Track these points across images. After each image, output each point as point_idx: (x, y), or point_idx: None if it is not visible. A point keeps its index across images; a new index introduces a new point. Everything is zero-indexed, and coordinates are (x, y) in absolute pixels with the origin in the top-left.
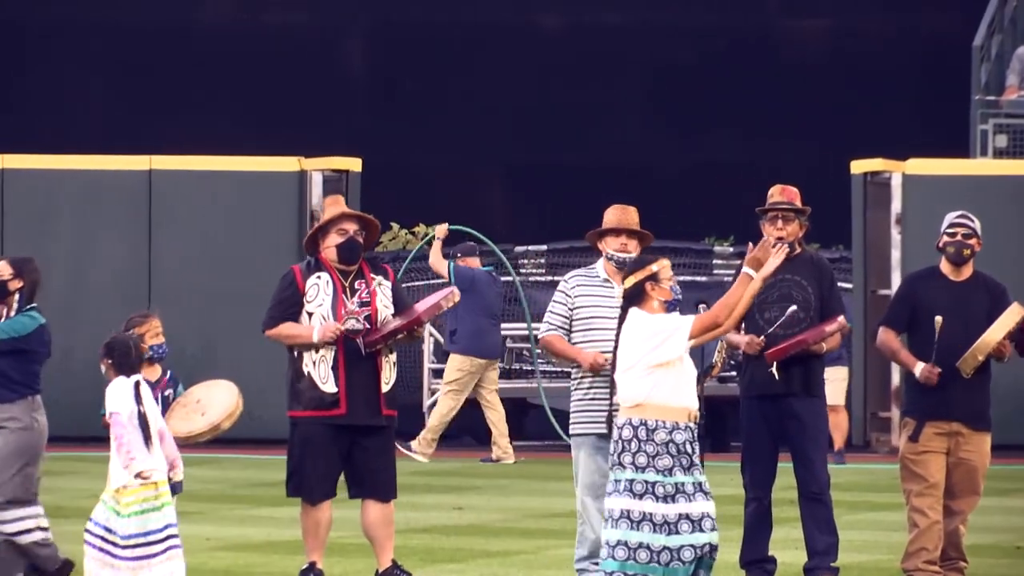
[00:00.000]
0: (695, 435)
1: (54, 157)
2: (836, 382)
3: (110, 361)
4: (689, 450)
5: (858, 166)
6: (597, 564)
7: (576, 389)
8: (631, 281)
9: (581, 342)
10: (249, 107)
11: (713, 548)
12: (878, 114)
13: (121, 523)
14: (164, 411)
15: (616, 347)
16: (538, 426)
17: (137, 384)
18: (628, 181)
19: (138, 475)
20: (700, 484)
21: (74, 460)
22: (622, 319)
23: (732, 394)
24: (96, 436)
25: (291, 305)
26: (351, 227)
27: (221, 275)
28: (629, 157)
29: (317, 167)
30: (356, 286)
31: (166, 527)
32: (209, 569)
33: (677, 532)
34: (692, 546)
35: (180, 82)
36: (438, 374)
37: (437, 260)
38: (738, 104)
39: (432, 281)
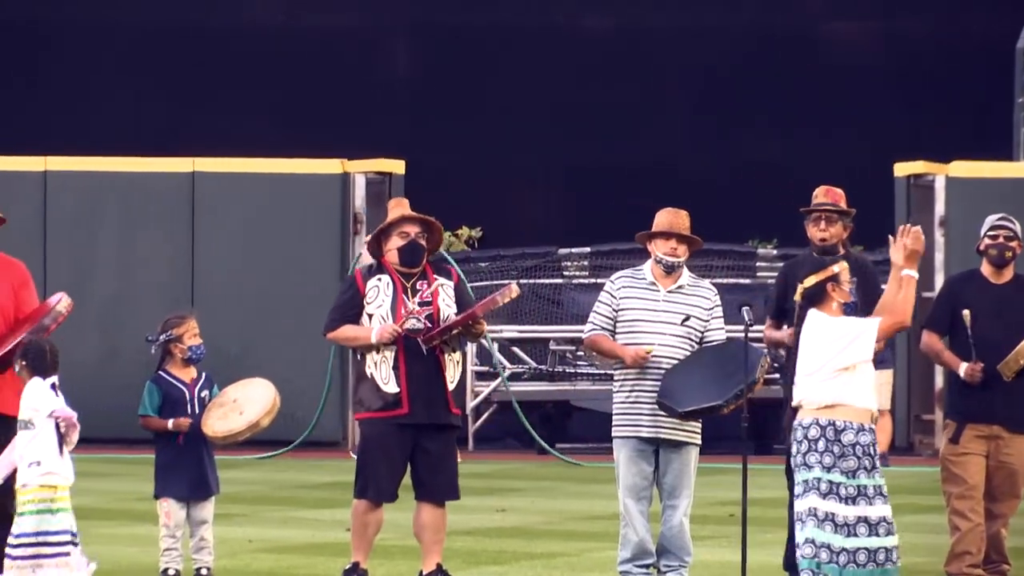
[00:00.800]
0: (875, 437)
1: (97, 159)
2: (881, 385)
3: (24, 363)
4: (872, 452)
5: (902, 168)
6: (640, 566)
7: (619, 391)
8: (812, 281)
9: (625, 344)
10: (292, 109)
11: (888, 552)
12: (921, 116)
13: (17, 521)
14: (200, 412)
15: (794, 348)
16: (581, 429)
17: (53, 386)
18: (671, 183)
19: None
20: (880, 487)
21: (119, 462)
22: (800, 320)
23: (776, 397)
24: (141, 438)
25: (351, 308)
26: (413, 229)
27: (264, 277)
28: (672, 159)
29: (360, 169)
30: (418, 287)
31: (61, 533)
32: (252, 571)
33: (855, 534)
34: (867, 549)
35: (224, 84)
36: (481, 376)
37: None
38: (782, 106)
39: (496, 282)
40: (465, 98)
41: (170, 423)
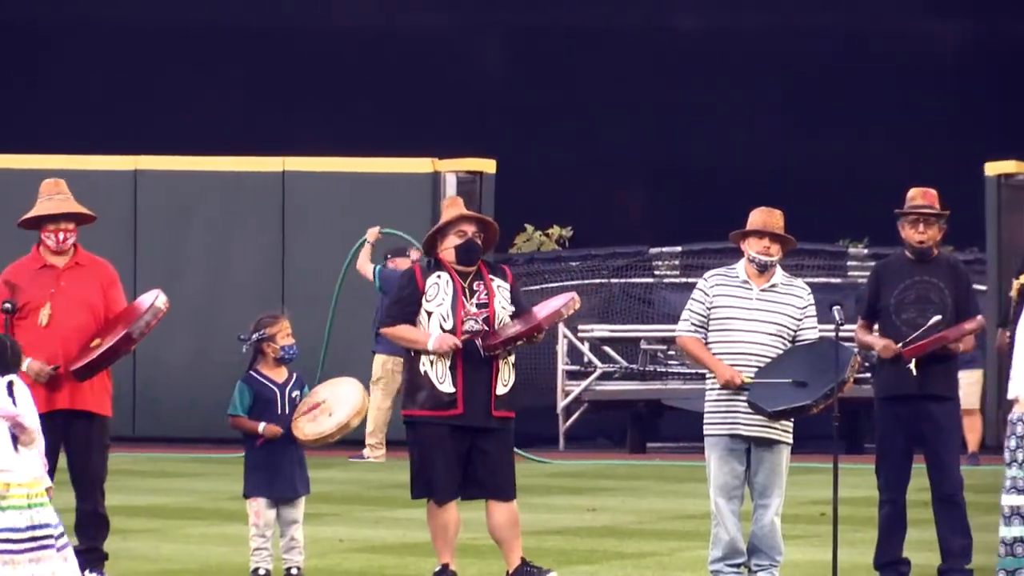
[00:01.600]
0: None
1: (188, 158)
2: (971, 385)
3: None
4: None
5: (992, 168)
6: (731, 565)
7: (711, 390)
8: None
9: (716, 342)
10: (383, 108)
11: None
12: (1012, 116)
13: None
14: (291, 412)
15: (1013, 341)
16: (672, 428)
17: (11, 384)
18: (762, 182)
19: None
20: None
21: (212, 462)
22: (1016, 316)
23: (866, 396)
24: (231, 438)
25: (410, 304)
26: (469, 229)
27: (354, 276)
28: (764, 159)
29: (451, 168)
30: (475, 287)
31: (30, 528)
32: (343, 571)
33: None
34: None
35: (315, 83)
36: (572, 376)
37: (364, 263)
38: (872, 105)
39: (586, 281)
40: (556, 97)
41: (261, 427)
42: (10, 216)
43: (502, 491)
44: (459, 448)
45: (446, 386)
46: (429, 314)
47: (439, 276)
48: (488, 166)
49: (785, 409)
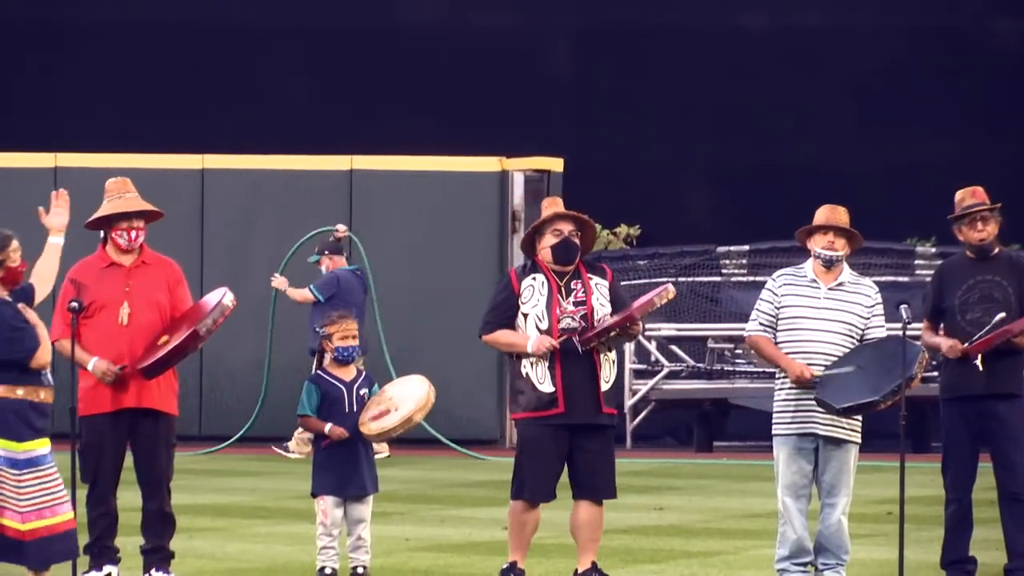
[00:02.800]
0: None
1: (255, 157)
2: None
3: None
4: None
5: None
6: (798, 564)
7: (780, 389)
8: None
9: (785, 341)
10: (451, 107)
11: None
12: None
13: None
14: (358, 410)
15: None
16: (739, 427)
17: None
18: (830, 181)
19: None
20: None
21: (279, 461)
22: None
23: (933, 394)
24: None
25: (507, 309)
26: (566, 227)
27: (422, 275)
28: (832, 157)
29: (519, 167)
30: (572, 286)
31: None
32: (409, 569)
33: None
34: None
35: (383, 82)
36: (639, 375)
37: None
38: (938, 103)
39: (653, 280)
40: (623, 96)
41: (327, 428)
42: (77, 215)
43: (599, 492)
44: (560, 448)
45: (546, 386)
46: (525, 316)
47: (534, 278)
48: (555, 165)
49: (853, 406)
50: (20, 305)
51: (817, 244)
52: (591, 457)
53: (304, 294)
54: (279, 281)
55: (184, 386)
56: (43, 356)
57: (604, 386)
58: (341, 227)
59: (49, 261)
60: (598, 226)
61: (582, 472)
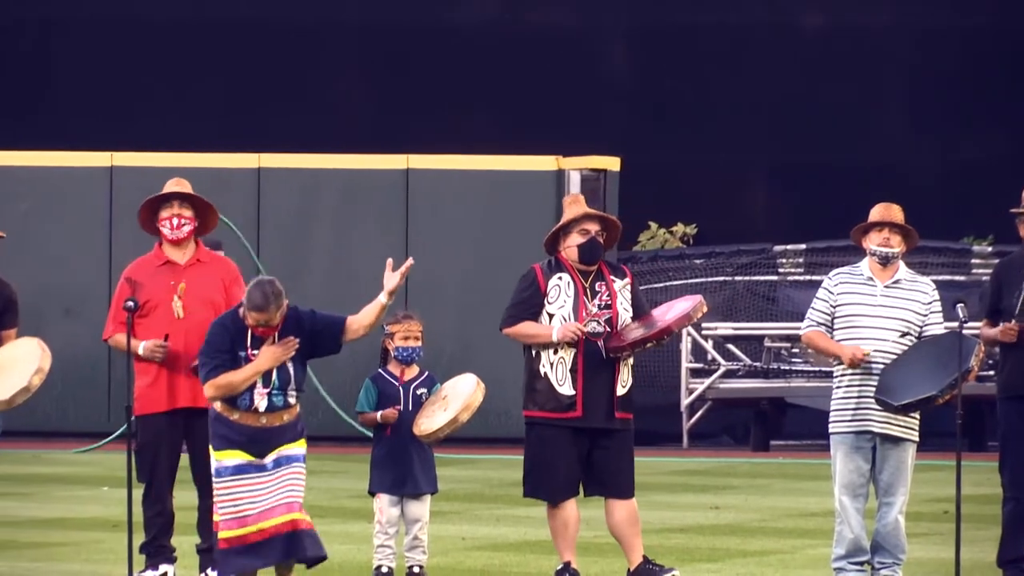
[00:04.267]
0: None
1: (311, 156)
2: None
3: None
4: None
5: None
6: (854, 563)
7: (837, 388)
8: None
9: (842, 340)
10: (507, 106)
11: None
12: None
13: None
14: (415, 409)
15: None
16: (796, 426)
17: None
18: (887, 180)
19: None
20: None
21: (335, 460)
22: None
23: (989, 393)
24: (354, 436)
25: (532, 305)
26: (592, 227)
27: (478, 274)
28: (888, 156)
29: (575, 166)
30: (597, 288)
31: None
32: (465, 568)
33: None
34: None
35: (438, 81)
36: (696, 373)
37: None
38: (997, 103)
39: (710, 279)
40: (680, 95)
41: (379, 415)
42: (130, 212)
43: (621, 490)
44: (579, 449)
45: (566, 388)
46: (551, 316)
47: (560, 277)
48: (612, 164)
49: (911, 402)
50: None
51: (872, 241)
52: (611, 456)
53: None
54: None
55: None
56: None
57: (620, 391)
58: None
59: (374, 311)
60: (654, 224)
61: (604, 472)
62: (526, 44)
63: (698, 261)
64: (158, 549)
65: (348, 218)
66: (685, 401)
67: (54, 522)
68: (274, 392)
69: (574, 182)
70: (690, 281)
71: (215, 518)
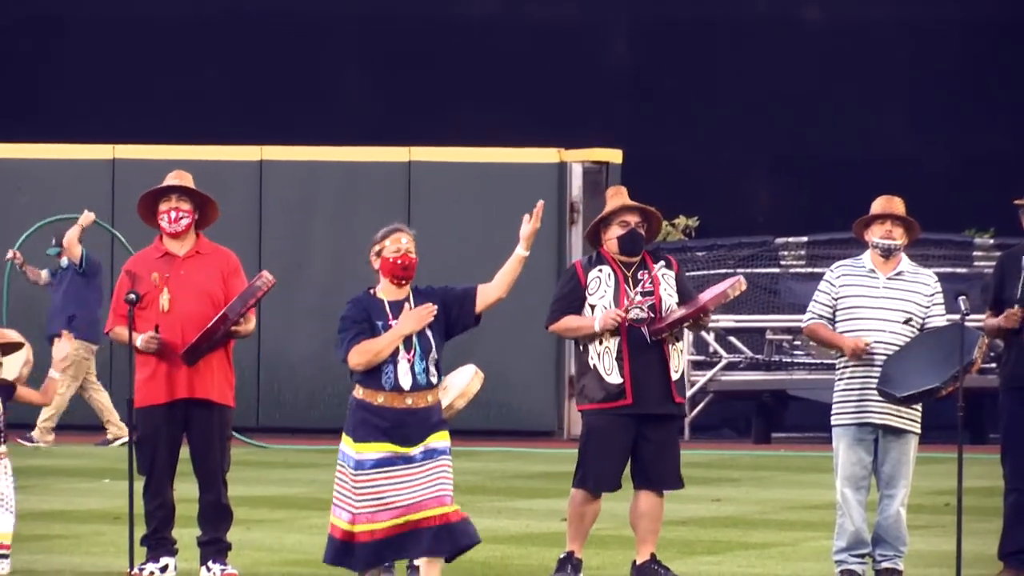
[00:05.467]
0: None
1: (313, 149)
2: None
3: None
4: None
5: None
6: (856, 556)
7: (839, 380)
8: None
9: (844, 332)
10: (509, 99)
11: None
12: None
13: None
14: None
15: None
16: (797, 418)
17: None
18: (888, 173)
19: None
20: None
21: (335, 453)
22: None
23: (991, 385)
24: None
25: (573, 300)
26: (633, 219)
27: (480, 267)
28: (889, 149)
29: (577, 159)
30: (639, 276)
31: None
32: (466, 560)
33: None
34: None
35: (441, 73)
36: (698, 366)
37: (73, 243)
38: (996, 96)
39: (713, 272)
40: (682, 88)
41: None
42: (132, 205)
43: (663, 481)
44: (627, 438)
45: (614, 377)
46: (592, 307)
47: (600, 270)
48: (614, 156)
49: (914, 393)
50: None
51: (875, 234)
52: (656, 447)
53: (76, 250)
54: (88, 216)
55: (241, 378)
56: None
57: (674, 375)
58: (87, 216)
59: (511, 268)
60: None
61: (647, 462)
62: (529, 37)
63: (700, 253)
64: (159, 541)
65: (350, 211)
66: (687, 393)
67: (55, 515)
68: (417, 362)
69: (576, 175)
70: (692, 273)
71: (350, 510)
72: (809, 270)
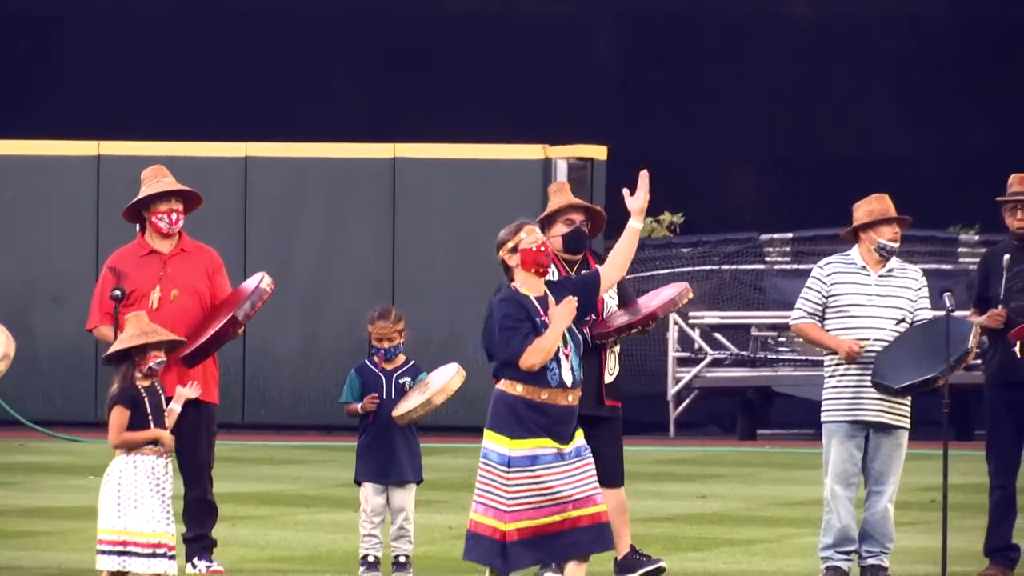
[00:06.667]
0: None
1: (299, 145)
2: None
3: None
4: None
5: None
6: (842, 552)
7: (830, 376)
8: None
9: (836, 329)
10: (495, 95)
11: None
12: None
13: None
14: (397, 398)
15: None
16: (783, 415)
17: None
18: (873, 169)
19: None
20: None
21: (322, 449)
22: None
23: (975, 382)
24: (340, 424)
25: None
26: (578, 217)
27: (465, 263)
28: (874, 145)
29: (562, 155)
30: None
31: None
32: (452, 558)
33: None
34: None
35: (426, 71)
36: (683, 362)
37: None
38: (981, 92)
39: (657, 272)
40: (667, 84)
41: (359, 404)
42: (121, 203)
43: (610, 478)
44: None
45: None
46: None
47: None
48: (599, 152)
49: (911, 384)
50: None
51: (884, 236)
52: (600, 444)
53: None
54: None
55: (227, 375)
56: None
57: (608, 378)
58: None
59: (625, 243)
60: None
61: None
62: (515, 33)
63: (685, 250)
64: None
65: (335, 207)
66: (672, 390)
67: (40, 511)
68: (573, 357)
69: (561, 171)
70: (677, 270)
71: (501, 508)
72: (794, 266)
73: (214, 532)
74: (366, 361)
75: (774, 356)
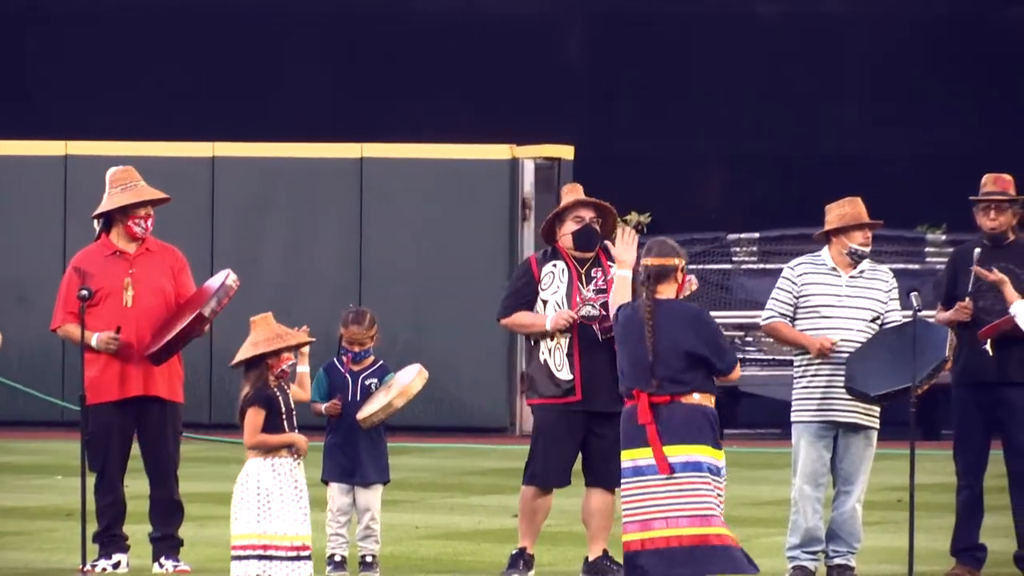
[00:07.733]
0: None
1: (266, 145)
2: None
3: None
4: None
5: None
6: (808, 552)
7: (800, 377)
8: None
9: (807, 330)
10: (461, 94)
11: None
12: None
13: None
14: (363, 399)
15: None
16: (749, 415)
17: None
18: (840, 169)
19: None
20: None
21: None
22: None
23: (943, 382)
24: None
25: (526, 294)
26: (587, 214)
27: (432, 263)
28: (841, 144)
29: (529, 155)
30: (593, 274)
31: None
32: (418, 557)
33: None
34: None
35: (392, 70)
36: None
37: None
38: (950, 91)
39: None
40: (634, 83)
41: (323, 406)
42: (87, 203)
43: (614, 479)
44: (576, 435)
45: (564, 373)
46: (545, 302)
47: (554, 265)
48: (566, 152)
49: (888, 393)
50: None
51: (855, 240)
52: (606, 444)
53: None
54: None
55: (194, 374)
56: None
57: None
58: None
59: (616, 292)
60: None
61: (596, 459)
62: (481, 33)
63: None
64: (111, 538)
65: (302, 207)
66: None
67: (7, 511)
68: None
69: (528, 171)
70: None
71: (721, 517)
72: (761, 266)
73: (181, 531)
74: (335, 360)
75: (741, 356)
